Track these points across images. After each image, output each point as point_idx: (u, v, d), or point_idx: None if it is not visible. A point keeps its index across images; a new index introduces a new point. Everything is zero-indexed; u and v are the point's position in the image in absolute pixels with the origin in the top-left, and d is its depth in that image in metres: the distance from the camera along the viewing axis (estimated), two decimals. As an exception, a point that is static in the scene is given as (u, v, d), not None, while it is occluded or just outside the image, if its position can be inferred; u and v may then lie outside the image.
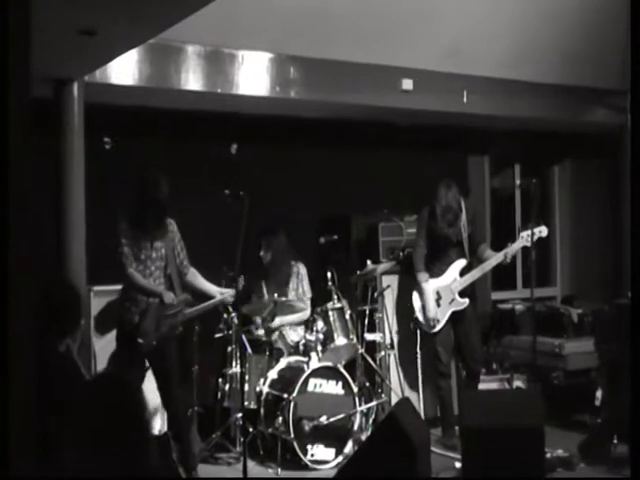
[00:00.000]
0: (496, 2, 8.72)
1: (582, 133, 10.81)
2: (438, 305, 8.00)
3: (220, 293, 7.01)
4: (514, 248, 7.88)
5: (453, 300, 7.97)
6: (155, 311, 6.52)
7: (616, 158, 10.54)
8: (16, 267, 2.49)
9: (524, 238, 7.73)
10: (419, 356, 8.30)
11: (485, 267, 8.02)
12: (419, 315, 8.08)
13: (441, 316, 7.98)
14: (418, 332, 8.23)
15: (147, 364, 6.68)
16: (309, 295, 8.36)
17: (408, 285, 8.37)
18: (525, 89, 9.55)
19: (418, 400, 8.34)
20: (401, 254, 8.76)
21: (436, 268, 8.07)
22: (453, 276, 8.01)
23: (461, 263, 8.02)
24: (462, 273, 8.01)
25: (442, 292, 8.00)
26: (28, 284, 2.59)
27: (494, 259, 7.92)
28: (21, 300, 2.51)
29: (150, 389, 6.76)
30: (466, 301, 7.96)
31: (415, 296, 8.11)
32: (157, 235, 6.60)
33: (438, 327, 7.99)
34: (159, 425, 7.51)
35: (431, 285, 8.02)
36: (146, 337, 6.47)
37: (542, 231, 7.78)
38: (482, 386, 8.23)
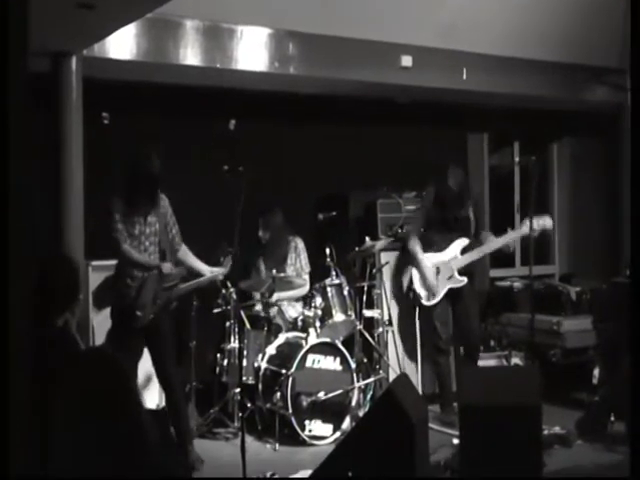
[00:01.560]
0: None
1: (581, 111, 10.78)
2: (436, 279, 8.00)
3: (210, 272, 7.00)
4: (515, 236, 7.91)
5: (451, 277, 7.97)
6: (153, 283, 6.52)
7: (615, 136, 10.52)
8: (15, 243, 2.49)
9: (526, 226, 7.69)
10: (418, 329, 8.31)
11: (484, 250, 8.02)
12: (416, 286, 8.07)
13: (438, 289, 7.98)
14: (417, 307, 8.23)
15: (142, 338, 6.69)
16: (307, 270, 8.37)
17: (407, 262, 8.36)
18: (524, 67, 9.52)
19: (416, 373, 8.36)
20: (399, 231, 8.75)
21: (438, 245, 8.07)
22: (454, 253, 8.02)
23: (463, 242, 8.03)
24: (463, 252, 8.02)
25: (441, 267, 8.00)
26: (27, 261, 2.58)
27: (494, 243, 7.93)
28: (20, 278, 2.50)
29: (146, 364, 6.79)
30: (464, 279, 7.96)
31: (414, 270, 8.11)
32: (150, 210, 6.60)
33: (434, 301, 8.00)
34: (156, 400, 7.53)
35: (431, 259, 8.03)
36: (144, 309, 6.47)
37: (547, 223, 7.77)
38: (480, 363, 8.24)
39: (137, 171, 6.53)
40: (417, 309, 8.27)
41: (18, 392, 2.47)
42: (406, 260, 8.44)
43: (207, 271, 6.99)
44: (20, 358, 2.50)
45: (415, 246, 8.09)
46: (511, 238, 7.95)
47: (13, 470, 2.42)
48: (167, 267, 6.59)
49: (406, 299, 8.36)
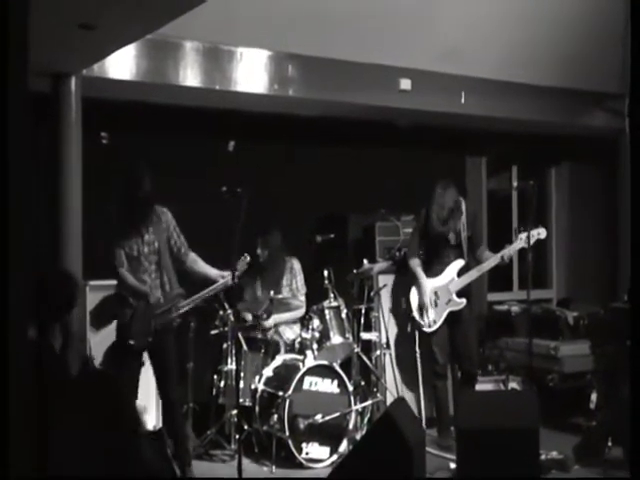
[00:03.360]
0: (494, 4, 8.73)
1: (580, 136, 10.81)
2: (435, 305, 7.99)
3: (221, 276, 6.91)
4: (512, 249, 7.85)
5: (450, 300, 7.95)
6: (143, 312, 6.51)
7: (613, 161, 10.54)
8: (14, 262, 2.48)
9: (522, 240, 7.70)
10: (418, 356, 8.29)
11: (483, 268, 7.98)
12: (416, 314, 8.06)
13: (438, 316, 7.97)
14: (416, 332, 8.22)
15: (143, 360, 6.67)
16: (303, 291, 8.35)
17: (404, 285, 8.35)
18: (523, 91, 9.55)
19: (417, 400, 8.35)
20: (397, 254, 8.75)
21: (434, 268, 8.05)
22: (451, 276, 7.99)
23: (459, 263, 7.99)
24: (460, 274, 8.00)
25: (439, 292, 7.98)
26: (25, 278, 2.58)
27: (492, 260, 7.89)
28: (18, 295, 2.50)
29: (144, 385, 6.76)
30: (463, 301, 7.94)
31: (413, 294, 8.10)
32: (146, 229, 6.59)
33: (435, 327, 7.98)
34: (154, 421, 7.51)
35: (428, 284, 8.01)
36: (137, 338, 6.48)
37: (541, 233, 7.75)
38: (478, 387, 8.21)
39: (129, 193, 6.52)
40: (417, 335, 8.25)
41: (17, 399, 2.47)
42: (403, 282, 8.43)
43: (218, 276, 6.88)
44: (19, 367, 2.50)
45: (416, 267, 8.08)
46: (508, 252, 7.89)
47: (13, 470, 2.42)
48: (154, 297, 6.56)
49: (405, 326, 8.35)
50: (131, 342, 6.46)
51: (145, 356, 6.68)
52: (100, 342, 7.23)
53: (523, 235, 7.68)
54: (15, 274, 2.48)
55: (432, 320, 7.97)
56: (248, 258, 6.93)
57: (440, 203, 7.91)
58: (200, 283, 6.96)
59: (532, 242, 7.59)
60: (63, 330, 4.54)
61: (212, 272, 6.92)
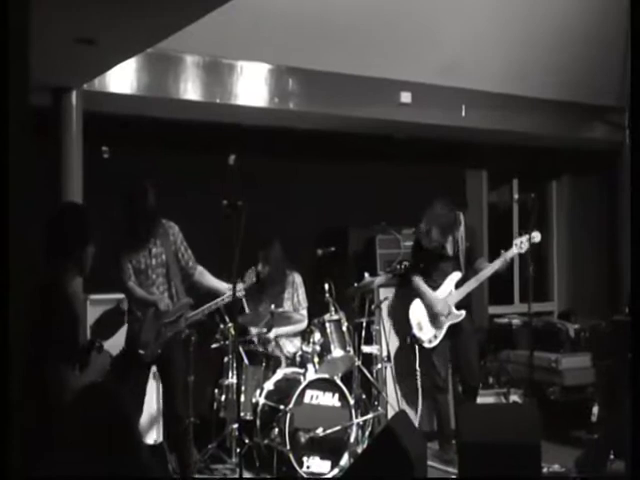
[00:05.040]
0: (495, 17, 8.74)
1: (580, 148, 10.81)
2: (435, 319, 7.98)
3: (230, 289, 6.90)
4: (508, 255, 7.85)
5: (450, 313, 7.93)
6: (152, 321, 6.51)
7: (614, 175, 10.55)
8: (14, 274, 2.48)
9: (518, 245, 7.71)
10: (418, 372, 8.28)
11: (480, 277, 7.97)
12: (415, 330, 8.05)
13: (438, 331, 7.96)
14: (416, 347, 8.21)
15: (148, 373, 6.68)
16: (305, 305, 8.34)
17: (406, 298, 8.34)
18: (523, 104, 9.56)
19: (415, 415, 8.33)
20: (398, 267, 8.73)
21: (432, 281, 8.04)
22: (449, 289, 7.98)
23: (456, 276, 7.98)
24: (457, 286, 7.99)
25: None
26: (25, 290, 2.58)
27: (489, 268, 7.89)
28: (18, 308, 2.50)
29: (146, 399, 6.75)
30: (462, 313, 7.92)
31: (413, 310, 8.08)
32: (153, 242, 6.61)
33: (435, 342, 7.97)
34: (155, 435, 7.49)
35: (436, 296, 8.00)
36: (146, 348, 6.47)
37: (535, 237, 7.75)
38: (479, 400, 8.20)
39: (134, 207, 6.54)
40: (417, 350, 8.24)
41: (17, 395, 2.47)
42: (404, 295, 8.43)
43: (226, 289, 6.89)
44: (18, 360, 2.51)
45: (419, 281, 8.08)
46: (506, 258, 7.87)
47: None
48: (164, 304, 6.57)
49: (405, 340, 8.35)
50: (141, 352, 6.45)
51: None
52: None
53: (518, 240, 7.69)
54: (16, 288, 2.48)
55: (433, 335, 7.97)
56: (255, 271, 6.95)
57: (438, 220, 7.89)
58: (206, 295, 6.97)
59: (527, 247, 7.60)
60: (77, 268, 4.50)
61: (221, 285, 6.94)
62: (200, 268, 6.92)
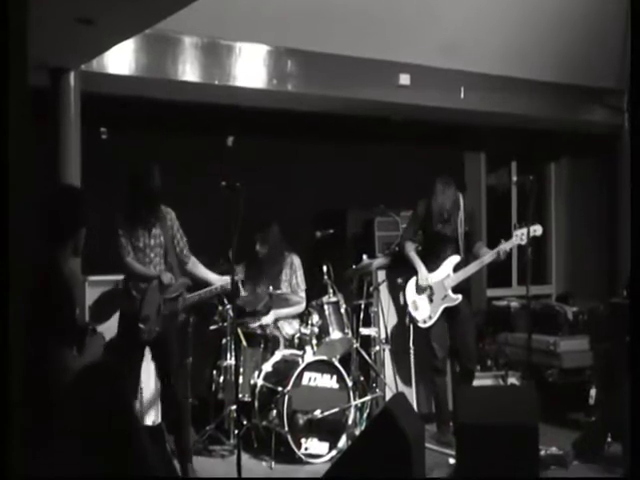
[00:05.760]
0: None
1: (579, 131, 10.80)
2: (431, 300, 7.98)
3: (221, 281, 6.95)
4: (507, 246, 7.83)
5: (446, 296, 7.93)
6: (155, 294, 6.51)
7: (613, 157, 10.54)
8: (13, 255, 2.48)
9: (518, 236, 7.69)
10: (412, 351, 8.29)
11: (478, 264, 7.97)
12: (411, 309, 8.05)
13: (433, 312, 7.96)
14: (411, 327, 8.21)
15: (144, 354, 6.68)
16: (303, 287, 8.34)
17: (403, 280, 8.34)
18: (522, 86, 9.55)
19: (411, 395, 8.33)
20: (396, 249, 8.73)
21: (430, 263, 8.03)
22: (447, 272, 7.97)
23: (455, 259, 7.97)
24: (456, 269, 7.98)
25: (435, 287, 7.97)
26: (24, 276, 2.58)
27: (488, 256, 7.87)
28: (19, 289, 2.50)
29: (144, 380, 6.75)
30: (459, 297, 7.92)
31: (408, 288, 8.08)
32: (153, 222, 6.60)
33: (430, 323, 7.97)
34: (153, 416, 7.50)
35: (424, 268, 8.00)
36: (147, 322, 6.46)
37: (537, 230, 7.72)
38: (477, 383, 8.21)
39: (139, 185, 6.53)
40: (412, 330, 8.24)
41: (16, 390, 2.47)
42: (397, 275, 8.45)
43: (218, 281, 6.93)
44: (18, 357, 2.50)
45: (410, 251, 8.08)
46: (504, 247, 7.86)
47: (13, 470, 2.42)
48: (167, 277, 6.57)
49: (403, 322, 8.36)
50: (141, 326, 6.44)
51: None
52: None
53: (518, 232, 7.67)
54: (15, 270, 2.48)
55: (427, 316, 7.97)
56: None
57: (440, 200, 7.89)
58: (201, 282, 6.98)
59: (528, 239, 7.58)
60: (74, 248, 4.55)
61: (212, 277, 6.98)
62: (193, 258, 6.94)
